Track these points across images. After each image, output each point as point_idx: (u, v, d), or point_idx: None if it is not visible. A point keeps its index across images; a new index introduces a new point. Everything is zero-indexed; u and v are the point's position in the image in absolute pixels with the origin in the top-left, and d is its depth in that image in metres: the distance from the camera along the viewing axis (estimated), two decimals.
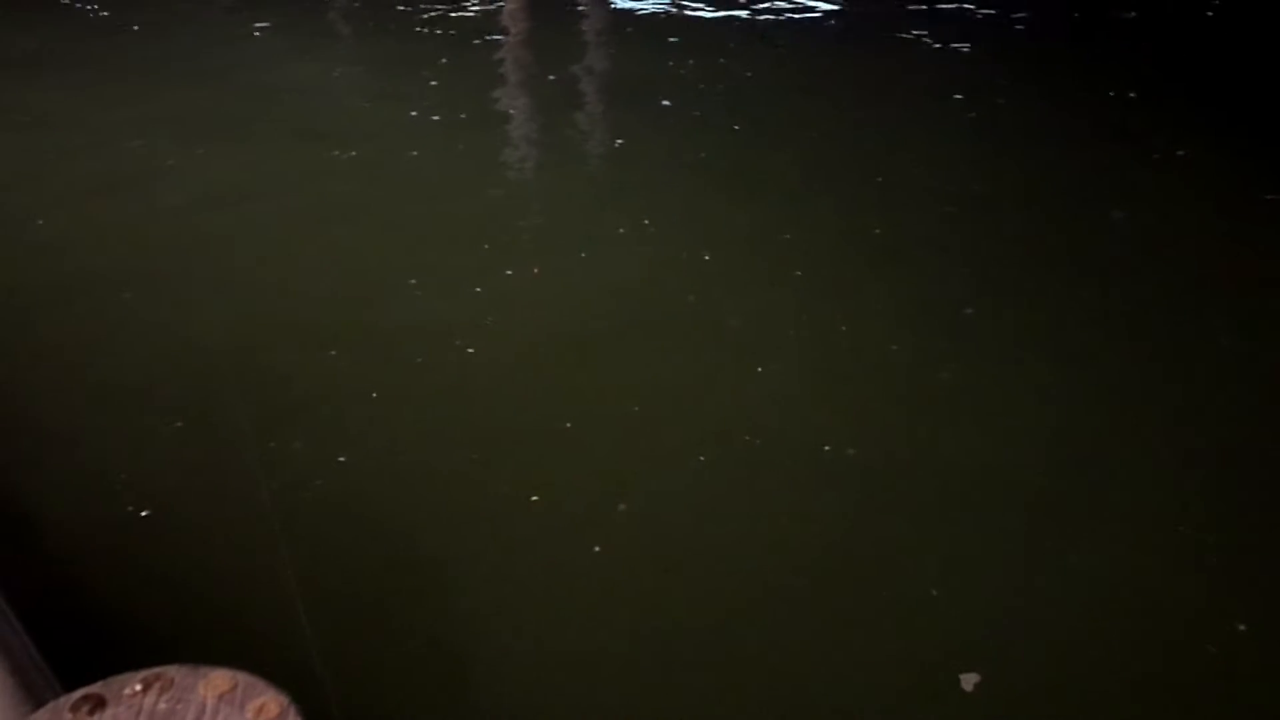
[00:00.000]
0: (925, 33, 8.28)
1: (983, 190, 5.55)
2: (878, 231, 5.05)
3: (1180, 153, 6.00)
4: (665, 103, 6.79)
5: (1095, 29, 8.78)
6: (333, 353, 4.04)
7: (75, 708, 1.45)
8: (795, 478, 3.39)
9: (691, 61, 7.64)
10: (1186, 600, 2.91)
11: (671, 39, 8.19)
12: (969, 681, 2.62)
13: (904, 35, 8.27)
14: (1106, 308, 4.37)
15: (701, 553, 3.09)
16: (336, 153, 5.97)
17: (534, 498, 3.28)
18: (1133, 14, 8.98)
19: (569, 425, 3.63)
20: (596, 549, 3.07)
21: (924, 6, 8.99)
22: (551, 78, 7.51)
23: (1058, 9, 9.21)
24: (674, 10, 8.93)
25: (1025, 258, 4.79)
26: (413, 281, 4.54)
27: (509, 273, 4.60)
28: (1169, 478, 3.38)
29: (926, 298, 4.45)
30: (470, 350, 4.06)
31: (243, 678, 1.48)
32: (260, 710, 1.43)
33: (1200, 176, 5.69)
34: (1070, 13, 9.16)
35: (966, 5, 8.98)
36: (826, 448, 3.49)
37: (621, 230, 5.05)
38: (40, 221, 5.19)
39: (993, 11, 8.88)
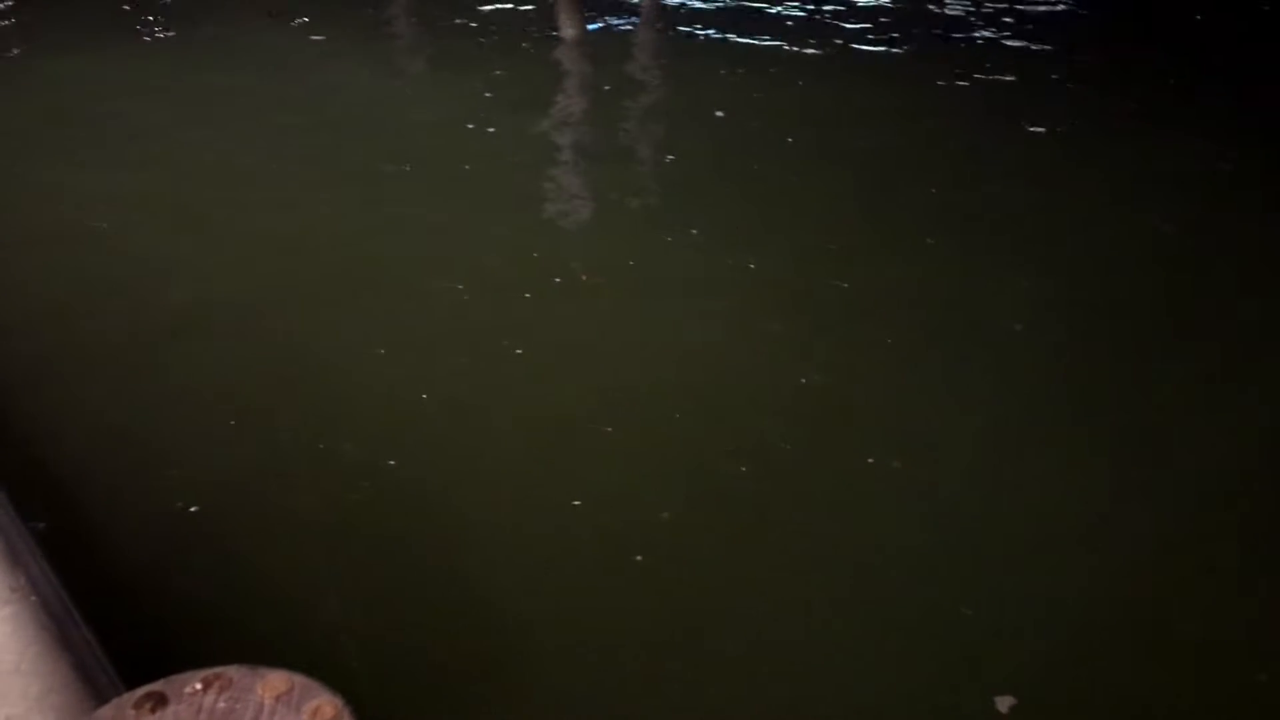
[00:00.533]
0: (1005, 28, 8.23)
1: (1038, 202, 5.51)
2: (930, 241, 5.03)
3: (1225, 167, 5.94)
4: (719, 113, 6.80)
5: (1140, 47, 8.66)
6: (381, 350, 4.12)
7: (138, 705, 1.48)
8: (837, 489, 3.40)
9: (741, 71, 7.63)
10: (1236, 627, 2.89)
11: (727, 51, 8.17)
12: (1004, 704, 2.62)
13: (963, 38, 8.22)
14: (1169, 330, 4.34)
15: (742, 563, 3.11)
16: (390, 166, 6.03)
17: (576, 502, 3.32)
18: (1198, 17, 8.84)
19: (610, 430, 3.66)
20: (639, 558, 3.10)
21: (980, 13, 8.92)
22: (607, 88, 7.54)
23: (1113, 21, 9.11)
24: (729, 23, 8.90)
25: (1079, 275, 4.74)
26: (460, 286, 4.60)
27: (557, 280, 4.65)
28: (1219, 507, 3.35)
29: (974, 313, 4.42)
30: (519, 351, 4.11)
31: (299, 680, 1.50)
32: (316, 712, 1.46)
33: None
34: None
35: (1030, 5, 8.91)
36: (870, 460, 3.50)
37: (669, 238, 5.08)
38: (101, 224, 5.33)
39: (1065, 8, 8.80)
